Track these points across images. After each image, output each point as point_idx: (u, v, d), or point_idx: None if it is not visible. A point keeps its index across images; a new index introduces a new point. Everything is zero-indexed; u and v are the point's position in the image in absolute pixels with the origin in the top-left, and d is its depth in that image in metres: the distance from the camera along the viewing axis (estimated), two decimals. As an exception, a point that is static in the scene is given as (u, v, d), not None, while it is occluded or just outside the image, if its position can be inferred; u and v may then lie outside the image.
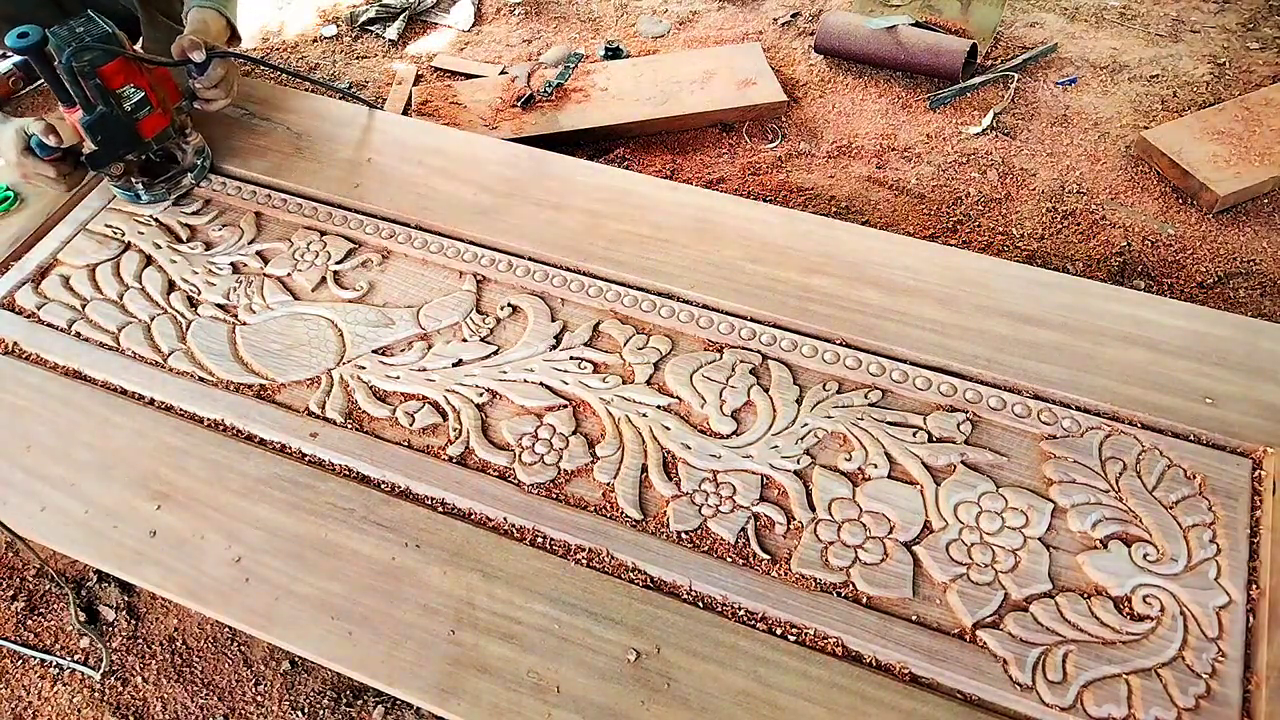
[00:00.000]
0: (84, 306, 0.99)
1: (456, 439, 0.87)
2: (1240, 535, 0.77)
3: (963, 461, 0.83)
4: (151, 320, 0.98)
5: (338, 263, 1.03)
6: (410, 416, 0.88)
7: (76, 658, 1.16)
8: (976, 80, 1.91)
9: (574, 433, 0.87)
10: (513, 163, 1.14)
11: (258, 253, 1.04)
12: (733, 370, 0.91)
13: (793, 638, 0.74)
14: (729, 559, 0.78)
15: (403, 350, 0.95)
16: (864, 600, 0.75)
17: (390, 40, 2.12)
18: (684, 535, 0.80)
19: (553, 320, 0.96)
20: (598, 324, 0.96)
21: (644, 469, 0.84)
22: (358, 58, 2.09)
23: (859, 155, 1.78)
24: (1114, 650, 0.71)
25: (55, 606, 1.20)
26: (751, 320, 0.95)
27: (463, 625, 0.75)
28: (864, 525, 0.79)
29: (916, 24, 1.97)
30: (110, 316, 0.98)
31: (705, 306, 0.97)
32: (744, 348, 0.93)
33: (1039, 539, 0.78)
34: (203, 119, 1.18)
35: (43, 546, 1.13)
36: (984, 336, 0.93)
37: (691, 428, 0.87)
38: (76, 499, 0.84)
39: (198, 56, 1.01)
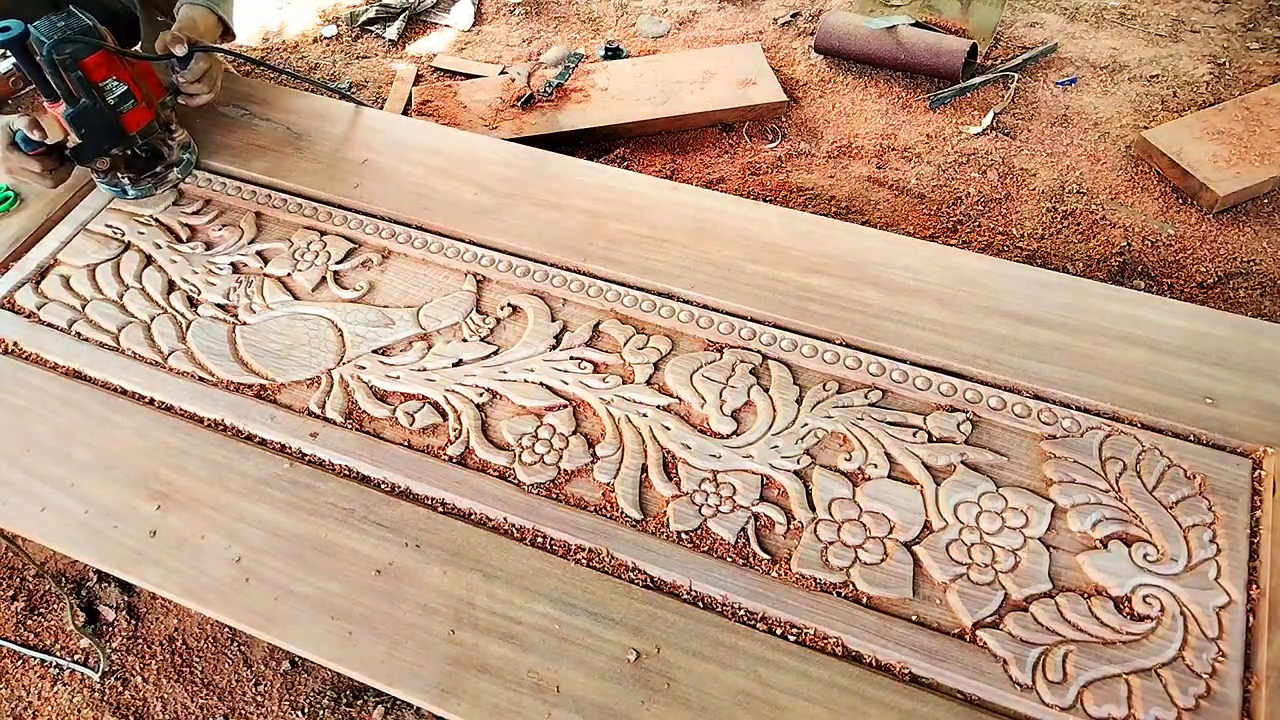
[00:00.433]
0: (84, 306, 0.99)
1: (456, 439, 0.87)
2: (1240, 535, 0.77)
3: (963, 461, 0.83)
4: (151, 320, 0.98)
5: (338, 263, 1.03)
6: (410, 416, 0.88)
7: (76, 658, 1.16)
8: (976, 80, 1.91)
9: (574, 433, 0.87)
10: (513, 163, 1.14)
11: (258, 253, 1.04)
12: (733, 370, 0.91)
13: (793, 638, 0.74)
14: (729, 559, 0.78)
15: (403, 350, 0.95)
16: (864, 600, 0.75)
17: (390, 40, 2.12)
18: (684, 535, 0.80)
19: (553, 320, 0.96)
20: (598, 324, 0.96)
21: (644, 469, 0.84)
22: (358, 58, 2.09)
23: (859, 155, 1.78)
24: (1114, 650, 0.71)
25: (55, 606, 1.20)
26: (751, 320, 0.95)
27: (463, 625, 0.75)
28: (864, 525, 0.79)
29: (916, 24, 1.97)
30: (110, 316, 0.98)
31: (705, 306, 0.97)
32: (744, 348, 0.93)
33: (1039, 539, 0.78)
34: (203, 119, 1.18)
35: (43, 547, 1.13)
36: (984, 336, 0.93)
37: (691, 428, 0.87)
38: (76, 499, 0.84)
39: (179, 51, 1.01)
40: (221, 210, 1.10)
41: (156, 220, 1.08)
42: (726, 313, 0.96)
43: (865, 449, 0.84)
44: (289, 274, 1.02)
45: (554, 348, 0.93)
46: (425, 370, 0.92)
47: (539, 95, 1.85)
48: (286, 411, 0.89)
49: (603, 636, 0.74)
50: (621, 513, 0.81)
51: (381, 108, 1.93)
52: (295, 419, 0.89)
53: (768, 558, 0.78)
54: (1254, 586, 0.74)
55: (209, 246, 1.06)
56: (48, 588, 1.21)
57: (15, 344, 0.96)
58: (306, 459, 0.87)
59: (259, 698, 1.12)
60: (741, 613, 0.76)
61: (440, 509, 0.83)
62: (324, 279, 1.01)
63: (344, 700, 1.11)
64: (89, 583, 1.21)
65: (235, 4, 1.20)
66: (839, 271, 0.99)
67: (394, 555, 0.79)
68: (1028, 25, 2.07)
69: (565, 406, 0.89)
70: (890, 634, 0.73)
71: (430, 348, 0.94)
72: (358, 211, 1.08)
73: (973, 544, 0.77)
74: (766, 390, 0.89)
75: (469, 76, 2.01)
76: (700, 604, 0.76)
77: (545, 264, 1.01)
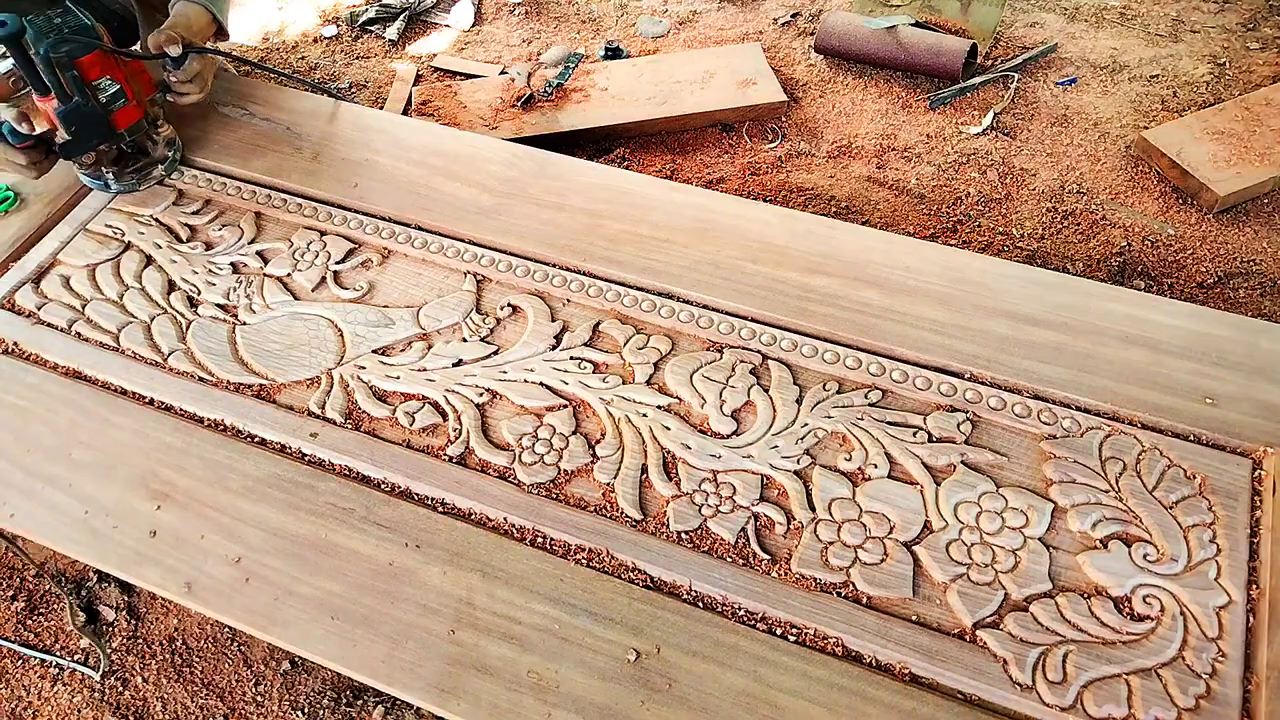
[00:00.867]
0: (84, 306, 0.99)
1: (456, 439, 0.87)
2: (1240, 535, 0.77)
3: (963, 461, 0.83)
4: (151, 320, 0.98)
5: (338, 263, 1.03)
6: (410, 416, 0.88)
7: (76, 658, 1.16)
8: (976, 80, 1.91)
9: (574, 433, 0.87)
10: (513, 163, 1.14)
11: (258, 253, 1.04)
12: (733, 370, 0.91)
13: (793, 638, 0.74)
14: (729, 559, 0.78)
15: (403, 350, 0.95)
16: (864, 600, 0.75)
17: (390, 40, 2.12)
18: (684, 535, 0.80)
19: (553, 320, 0.96)
20: (598, 324, 0.96)
21: (644, 469, 0.84)
22: (358, 58, 2.09)
23: (859, 155, 1.78)
24: (1114, 650, 0.71)
25: (55, 606, 1.20)
26: (751, 320, 0.95)
27: (463, 625, 0.75)
28: (864, 525, 0.79)
29: (916, 24, 1.97)
30: (110, 316, 0.98)
31: (705, 306, 0.97)
32: (744, 348, 0.93)
33: (1039, 539, 0.78)
34: (203, 119, 1.18)
35: (43, 546, 1.13)
36: (984, 336, 0.93)
37: (691, 428, 0.87)
38: (76, 499, 0.84)
39: (173, 51, 1.01)
40: (221, 210, 1.10)
41: (156, 220, 1.08)
42: (726, 313, 0.96)
43: (865, 449, 0.84)
44: (289, 274, 1.02)
45: (554, 348, 0.93)
46: (425, 370, 0.92)
47: (539, 95, 1.85)
48: (286, 411, 0.89)
49: (603, 636, 0.74)
50: (621, 513, 0.81)
51: (382, 108, 1.93)
52: (295, 419, 0.89)
53: (768, 558, 0.78)
54: (1254, 586, 0.74)
55: (209, 246, 1.06)
56: (48, 588, 1.21)
57: (15, 344, 0.96)
58: (306, 459, 0.87)
59: (259, 698, 1.12)
60: (741, 613, 0.76)
61: (440, 509, 0.83)
62: (324, 279, 1.01)
63: (344, 700, 1.11)
64: (89, 583, 1.21)
65: (230, 2, 1.20)
66: (839, 271, 0.99)
67: (394, 555, 0.79)
68: (1028, 25, 2.07)
69: (565, 406, 0.89)
70: (890, 634, 0.73)
71: (430, 348, 0.94)
72: (357, 211, 1.08)
73: (973, 544, 0.77)
74: (766, 390, 0.89)
75: (469, 76, 2.01)
76: (700, 604, 0.76)
77: (545, 264, 1.01)
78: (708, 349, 0.94)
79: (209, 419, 0.90)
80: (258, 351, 0.95)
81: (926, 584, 0.76)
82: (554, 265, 1.01)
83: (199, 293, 1.00)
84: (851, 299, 0.97)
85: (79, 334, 0.97)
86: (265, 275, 1.02)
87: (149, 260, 1.04)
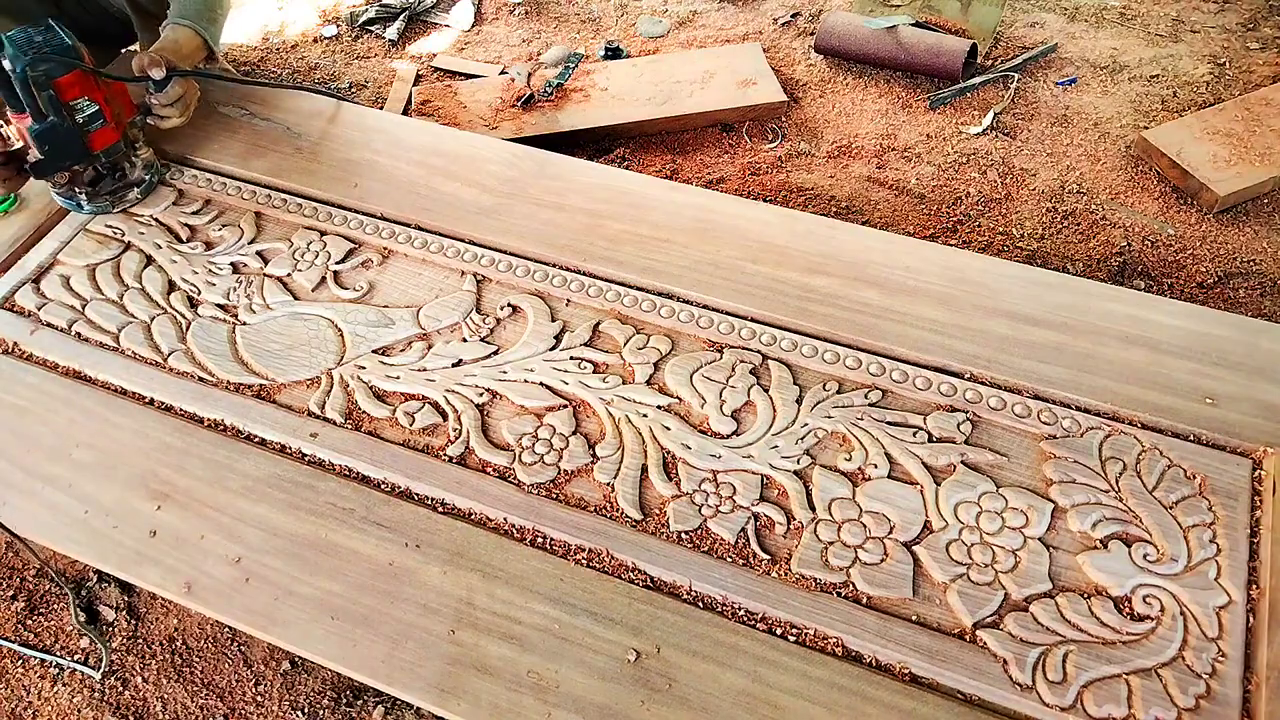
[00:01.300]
0: (84, 307, 0.99)
1: (456, 439, 0.87)
2: (1240, 535, 0.77)
3: (963, 461, 0.83)
4: (151, 320, 0.98)
5: (338, 263, 1.03)
6: (410, 416, 0.88)
7: (76, 658, 1.16)
8: (976, 80, 1.91)
9: (574, 433, 0.87)
10: (513, 163, 1.14)
11: (258, 253, 1.04)
12: (733, 370, 0.91)
13: (793, 638, 0.74)
14: (729, 559, 0.78)
15: (403, 350, 0.95)
16: (864, 600, 0.75)
17: (390, 40, 2.12)
18: (684, 535, 0.80)
19: (553, 320, 0.96)
20: (598, 324, 0.96)
21: (644, 469, 0.84)
22: (358, 58, 2.09)
23: (859, 155, 1.78)
24: (1114, 650, 0.71)
25: (55, 606, 1.20)
26: (751, 320, 0.95)
27: (463, 625, 0.75)
28: (864, 525, 0.79)
29: (916, 24, 1.97)
30: (110, 317, 0.98)
31: (705, 306, 0.97)
32: (744, 348, 0.93)
33: (1039, 539, 0.78)
34: (203, 119, 1.18)
35: (43, 546, 1.13)
36: (984, 336, 0.93)
37: (691, 428, 0.87)
38: (76, 499, 0.84)
39: (157, 74, 1.00)
40: (221, 210, 1.09)
41: (157, 220, 1.08)
42: (726, 313, 0.96)
43: (865, 449, 0.84)
44: (289, 274, 1.02)
45: (554, 348, 0.93)
46: (425, 370, 0.92)
47: (539, 95, 1.85)
48: (286, 411, 0.89)
49: (603, 636, 0.74)
50: (621, 513, 0.81)
51: (382, 108, 1.93)
52: (295, 419, 0.89)
53: (768, 558, 0.78)
54: (1254, 586, 0.74)
55: (209, 246, 1.06)
56: (48, 588, 1.21)
57: (15, 344, 0.96)
58: (306, 459, 0.87)
59: (259, 698, 1.12)
60: (741, 613, 0.76)
61: (440, 509, 0.83)
62: (324, 279, 1.01)
63: (344, 700, 1.11)
64: (89, 583, 1.21)
65: (224, 25, 1.19)
66: (839, 271, 0.99)
67: (394, 555, 0.79)
68: (1028, 25, 2.07)
69: (565, 406, 0.89)
70: (890, 634, 0.73)
71: (430, 348, 0.94)
72: (357, 211, 1.08)
73: (973, 544, 0.77)
74: (766, 390, 0.89)
75: (469, 76, 2.01)
76: (700, 604, 0.76)
77: (545, 264, 1.01)
78: (708, 349, 0.93)
79: (209, 419, 0.90)
80: (258, 351, 0.95)
81: (926, 584, 0.76)
82: (554, 265, 1.01)
83: (199, 293, 1.00)
84: (851, 299, 0.97)
85: (79, 334, 0.97)
86: (265, 275, 1.02)
87: (149, 260, 1.04)
